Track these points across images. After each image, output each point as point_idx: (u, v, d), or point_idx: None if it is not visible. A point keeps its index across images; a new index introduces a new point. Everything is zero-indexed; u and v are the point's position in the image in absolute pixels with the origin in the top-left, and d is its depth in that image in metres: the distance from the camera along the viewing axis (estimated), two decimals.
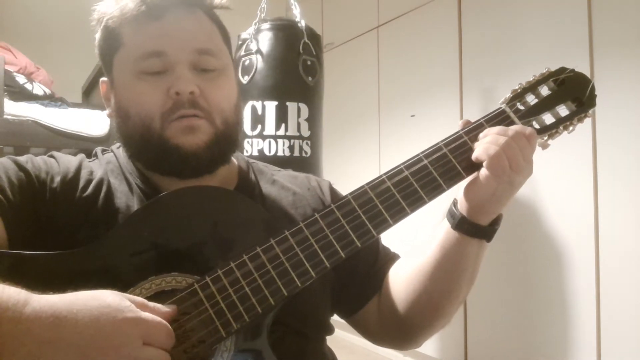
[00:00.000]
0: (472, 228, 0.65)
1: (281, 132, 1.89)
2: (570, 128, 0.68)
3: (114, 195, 0.68)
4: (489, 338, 2.22)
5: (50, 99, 2.05)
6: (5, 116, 1.81)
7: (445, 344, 2.43)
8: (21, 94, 1.97)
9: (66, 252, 0.58)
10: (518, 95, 0.68)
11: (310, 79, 1.94)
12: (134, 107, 0.66)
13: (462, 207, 0.66)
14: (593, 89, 0.68)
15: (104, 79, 0.73)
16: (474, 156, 0.63)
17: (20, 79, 2.01)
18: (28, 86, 2.01)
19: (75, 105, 2.23)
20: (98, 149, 0.77)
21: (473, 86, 2.34)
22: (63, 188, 0.66)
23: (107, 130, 1.99)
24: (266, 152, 1.88)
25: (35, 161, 0.67)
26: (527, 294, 2.06)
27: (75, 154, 0.74)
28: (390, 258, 0.79)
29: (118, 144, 0.77)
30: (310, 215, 0.62)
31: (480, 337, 2.27)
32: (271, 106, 1.88)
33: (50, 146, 1.82)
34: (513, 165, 0.61)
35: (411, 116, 2.67)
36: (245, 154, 1.85)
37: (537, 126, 0.68)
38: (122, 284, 0.57)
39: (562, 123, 0.68)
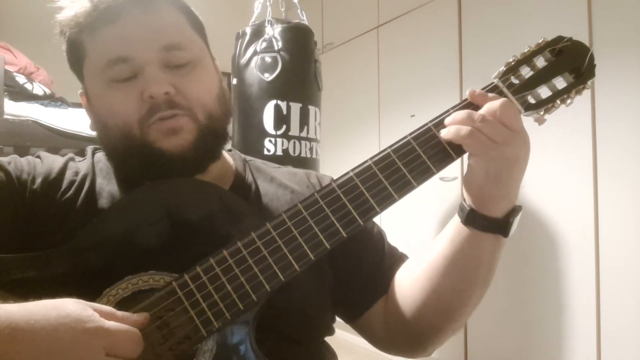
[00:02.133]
0: (484, 221, 0.60)
1: (304, 134, 1.93)
2: (568, 101, 0.63)
3: (98, 195, 0.66)
4: (489, 338, 2.22)
5: (50, 99, 2.05)
6: (5, 116, 1.81)
7: (445, 343, 2.42)
8: (21, 94, 1.96)
9: (39, 253, 0.56)
10: (512, 69, 0.64)
11: (320, 84, 2.01)
12: (110, 117, 0.63)
13: (468, 198, 0.62)
14: (592, 58, 0.63)
15: (81, 91, 0.70)
16: (444, 139, 0.60)
17: (20, 79, 2.01)
18: (28, 86, 2.01)
19: (75, 105, 2.22)
20: (89, 148, 0.74)
21: (473, 86, 2.33)
22: (44, 189, 0.64)
23: None
24: (291, 153, 1.91)
25: (19, 162, 0.65)
26: (527, 294, 2.06)
27: (75, 154, 0.72)
28: (397, 258, 0.75)
29: None
30: (293, 205, 0.58)
31: (480, 337, 2.27)
32: (296, 108, 1.91)
33: (50, 146, 1.82)
34: (496, 138, 0.57)
35: (411, 116, 2.67)
36: (267, 153, 1.86)
37: (532, 101, 0.63)
38: (98, 285, 0.55)
39: (559, 96, 0.63)
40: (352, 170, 0.60)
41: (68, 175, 0.67)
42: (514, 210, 0.62)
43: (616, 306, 1.76)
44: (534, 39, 0.63)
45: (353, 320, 0.75)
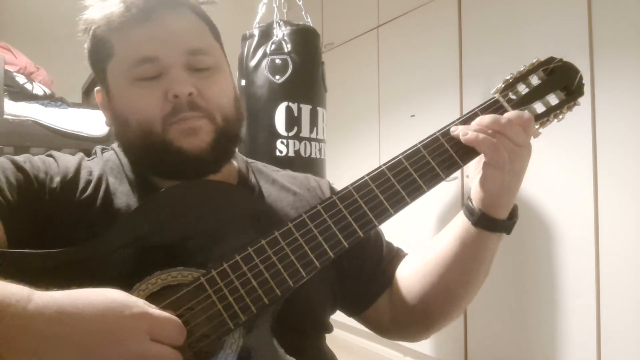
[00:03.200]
0: (492, 224, 0.67)
1: (314, 135, 1.96)
2: (560, 116, 0.71)
3: (113, 195, 0.68)
4: (489, 338, 2.22)
5: (50, 99, 2.05)
6: (5, 116, 1.81)
7: (445, 344, 2.43)
8: (21, 94, 1.96)
9: (69, 249, 0.58)
10: (510, 85, 0.71)
11: (326, 86, 2.05)
12: (132, 114, 0.66)
13: (478, 203, 0.68)
14: (581, 78, 0.70)
15: (98, 88, 0.72)
16: (467, 139, 0.65)
17: (20, 79, 2.01)
18: (28, 86, 2.01)
19: (75, 105, 2.22)
20: (98, 148, 0.76)
21: (473, 86, 2.34)
22: (62, 189, 0.65)
23: (107, 131, 1.99)
24: (302, 154, 1.93)
25: (34, 161, 0.66)
26: (527, 294, 2.06)
27: (74, 154, 0.73)
28: (395, 253, 0.80)
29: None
30: (312, 207, 0.63)
31: (480, 337, 2.27)
32: (306, 109, 1.94)
33: (50, 146, 1.82)
34: (511, 155, 0.63)
35: (411, 116, 2.67)
36: (279, 154, 1.88)
37: None
38: (128, 280, 0.57)
39: (552, 112, 0.70)
40: (367, 174, 0.65)
41: (83, 175, 0.68)
42: (514, 211, 0.69)
43: (616, 306, 1.76)
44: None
45: (358, 313, 0.79)
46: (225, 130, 0.68)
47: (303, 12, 2.11)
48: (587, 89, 0.70)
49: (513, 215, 0.69)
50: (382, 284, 0.77)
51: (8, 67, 1.99)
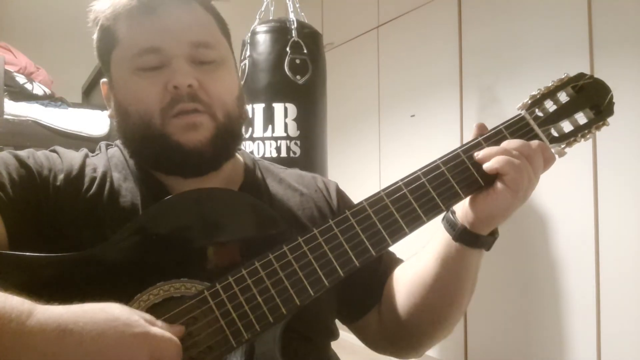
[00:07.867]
0: (474, 239, 0.63)
1: (268, 133, 1.91)
2: (588, 136, 0.67)
3: (118, 193, 0.66)
4: (489, 338, 2.22)
5: (50, 99, 2.05)
6: (5, 116, 1.81)
7: (445, 344, 2.42)
8: (21, 94, 1.97)
9: (71, 255, 0.56)
10: (537, 102, 0.66)
11: (299, 77, 1.91)
12: (132, 104, 0.65)
13: (465, 218, 0.64)
14: (612, 97, 0.66)
15: (104, 80, 0.72)
16: (490, 167, 0.61)
17: (20, 79, 2.01)
18: (28, 86, 2.01)
19: (75, 105, 2.22)
20: (102, 144, 0.75)
21: (473, 86, 2.34)
22: (66, 186, 0.64)
23: (107, 130, 2.00)
24: (255, 155, 1.90)
25: (37, 157, 0.65)
26: (527, 295, 2.06)
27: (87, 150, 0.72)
28: (393, 262, 0.77)
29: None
30: (324, 221, 0.60)
31: (480, 337, 2.27)
32: (259, 108, 1.90)
33: (50, 146, 1.82)
34: (528, 183, 0.61)
35: (411, 116, 2.67)
36: None
37: (555, 134, 0.66)
38: (130, 289, 0.55)
39: (580, 131, 0.66)
40: (383, 190, 0.61)
41: (88, 172, 0.67)
42: (496, 228, 0.66)
43: (616, 306, 1.76)
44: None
45: (352, 322, 0.77)
46: (227, 127, 0.66)
47: (289, 5, 2.03)
48: None
49: (494, 232, 0.65)
50: (377, 293, 0.74)
51: (8, 67, 1.99)
